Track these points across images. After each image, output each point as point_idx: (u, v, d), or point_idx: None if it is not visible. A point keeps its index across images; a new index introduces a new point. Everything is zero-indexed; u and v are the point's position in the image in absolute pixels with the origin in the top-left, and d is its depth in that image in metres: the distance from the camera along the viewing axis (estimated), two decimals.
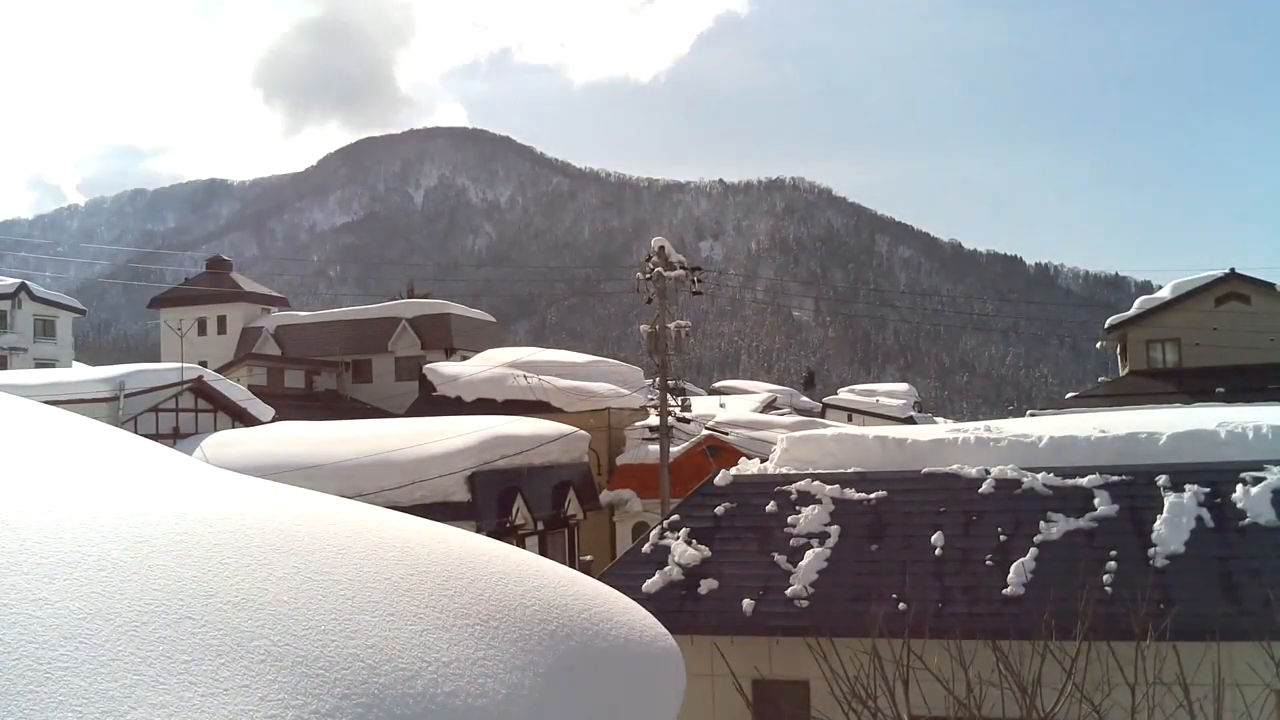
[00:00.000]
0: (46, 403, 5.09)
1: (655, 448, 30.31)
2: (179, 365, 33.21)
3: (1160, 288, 46.68)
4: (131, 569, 2.58)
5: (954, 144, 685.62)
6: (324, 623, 2.66)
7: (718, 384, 74.29)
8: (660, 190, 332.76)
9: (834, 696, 9.29)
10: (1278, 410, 13.68)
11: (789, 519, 11.25)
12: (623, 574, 10.96)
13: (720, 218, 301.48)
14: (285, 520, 3.30)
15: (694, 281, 30.51)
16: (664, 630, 3.92)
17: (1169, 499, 10.30)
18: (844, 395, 71.97)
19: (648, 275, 29.36)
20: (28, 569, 2.45)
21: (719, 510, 11.74)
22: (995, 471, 11.21)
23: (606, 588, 3.95)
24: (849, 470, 11.95)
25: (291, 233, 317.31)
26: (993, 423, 13.82)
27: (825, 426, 29.05)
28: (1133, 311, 45.15)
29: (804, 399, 65.95)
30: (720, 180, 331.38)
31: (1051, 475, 11.02)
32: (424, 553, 3.33)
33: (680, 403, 29.59)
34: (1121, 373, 46.54)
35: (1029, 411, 44.08)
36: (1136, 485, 10.66)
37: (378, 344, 54.06)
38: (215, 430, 31.02)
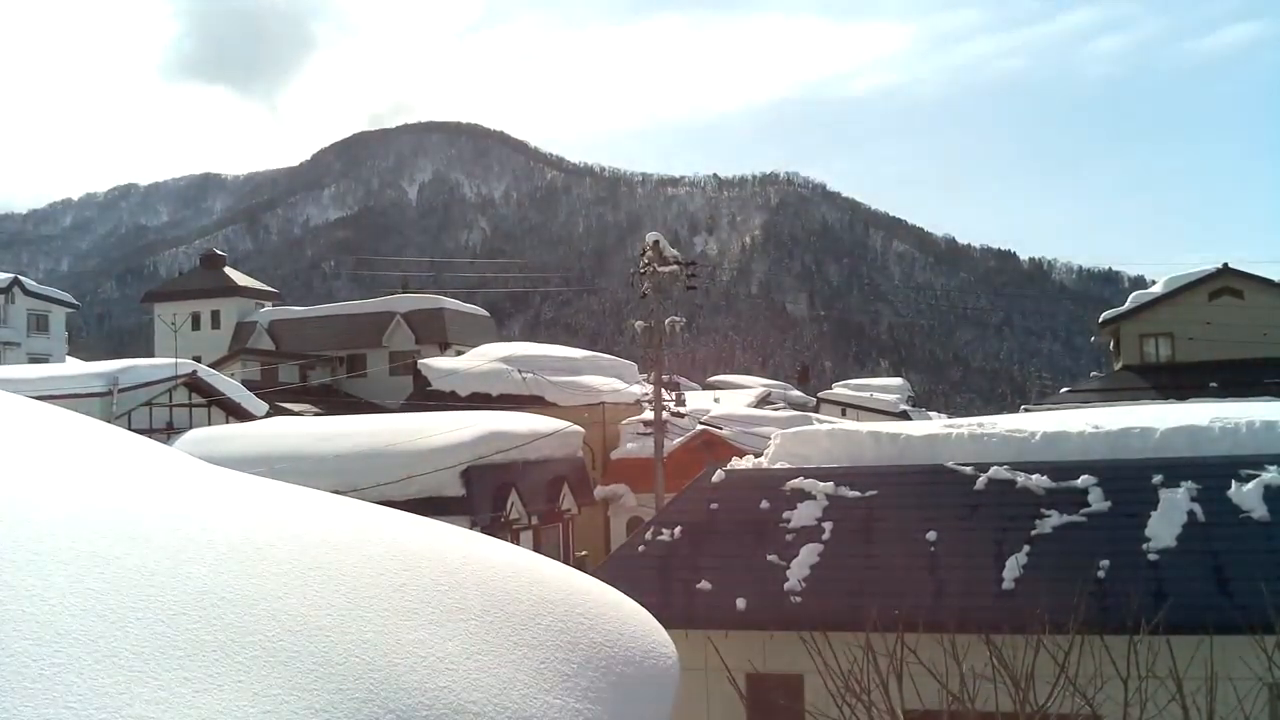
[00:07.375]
0: (39, 398, 5.09)
1: (650, 442, 30.33)
2: (173, 360, 33.23)
3: (1153, 282, 46.79)
4: (125, 566, 2.58)
5: (950, 140, 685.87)
6: (319, 619, 2.66)
7: (712, 379, 74.26)
8: (654, 185, 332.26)
9: (828, 690, 9.31)
10: (1270, 405, 13.75)
11: (783, 514, 11.28)
12: (617, 569, 10.98)
13: (714, 213, 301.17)
14: (279, 516, 3.31)
15: (688, 276, 30.54)
16: (658, 625, 3.92)
17: (1162, 494, 10.34)
18: (838, 390, 71.98)
19: (642, 270, 29.38)
20: (21, 565, 2.45)
21: (713, 506, 11.76)
22: (989, 468, 11.25)
23: (600, 583, 3.95)
24: (843, 466, 11.98)
25: (285, 227, 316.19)
26: (986, 418, 13.85)
27: (819, 421, 29.15)
28: (1126, 306, 45.27)
29: (798, 393, 66.01)
30: (714, 175, 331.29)
31: (1045, 470, 11.05)
32: (418, 548, 3.34)
33: (675, 397, 29.62)
34: (1115, 367, 46.65)
35: (1023, 407, 44.15)
36: (1130, 480, 10.70)
37: (372, 339, 54.05)
38: (209, 425, 30.98)
